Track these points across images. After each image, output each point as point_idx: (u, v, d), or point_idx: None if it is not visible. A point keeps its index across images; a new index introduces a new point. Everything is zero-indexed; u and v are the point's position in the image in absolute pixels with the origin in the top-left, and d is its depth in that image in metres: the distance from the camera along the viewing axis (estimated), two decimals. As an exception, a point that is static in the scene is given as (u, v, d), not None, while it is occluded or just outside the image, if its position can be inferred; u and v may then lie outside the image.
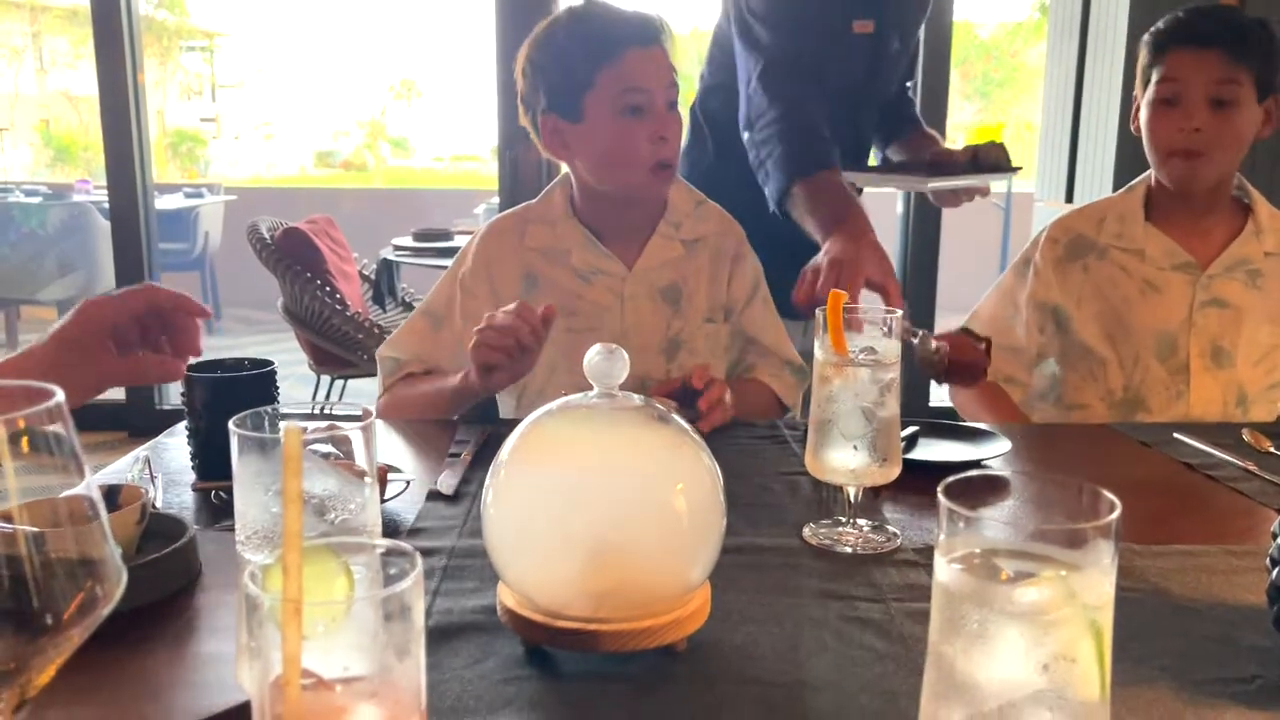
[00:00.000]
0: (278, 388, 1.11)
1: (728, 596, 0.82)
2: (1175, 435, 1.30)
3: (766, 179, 1.58)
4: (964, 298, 2.10)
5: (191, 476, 1.10)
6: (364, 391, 4.01)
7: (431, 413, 1.41)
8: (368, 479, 0.62)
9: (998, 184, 1.87)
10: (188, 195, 6.69)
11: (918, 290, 3.57)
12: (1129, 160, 3.37)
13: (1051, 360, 1.66)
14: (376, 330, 3.44)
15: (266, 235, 3.50)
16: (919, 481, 1.05)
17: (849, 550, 0.94)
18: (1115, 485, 0.47)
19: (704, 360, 1.51)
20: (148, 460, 1.14)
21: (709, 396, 1.32)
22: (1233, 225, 1.60)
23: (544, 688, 0.71)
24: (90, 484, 0.45)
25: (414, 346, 1.51)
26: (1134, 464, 1.23)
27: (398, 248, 3.98)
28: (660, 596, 0.72)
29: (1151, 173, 1.61)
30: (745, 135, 1.63)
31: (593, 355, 0.73)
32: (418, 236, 4.05)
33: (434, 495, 1.07)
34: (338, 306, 3.40)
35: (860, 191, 1.87)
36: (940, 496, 0.46)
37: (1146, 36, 1.56)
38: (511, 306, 1.26)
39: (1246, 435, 1.30)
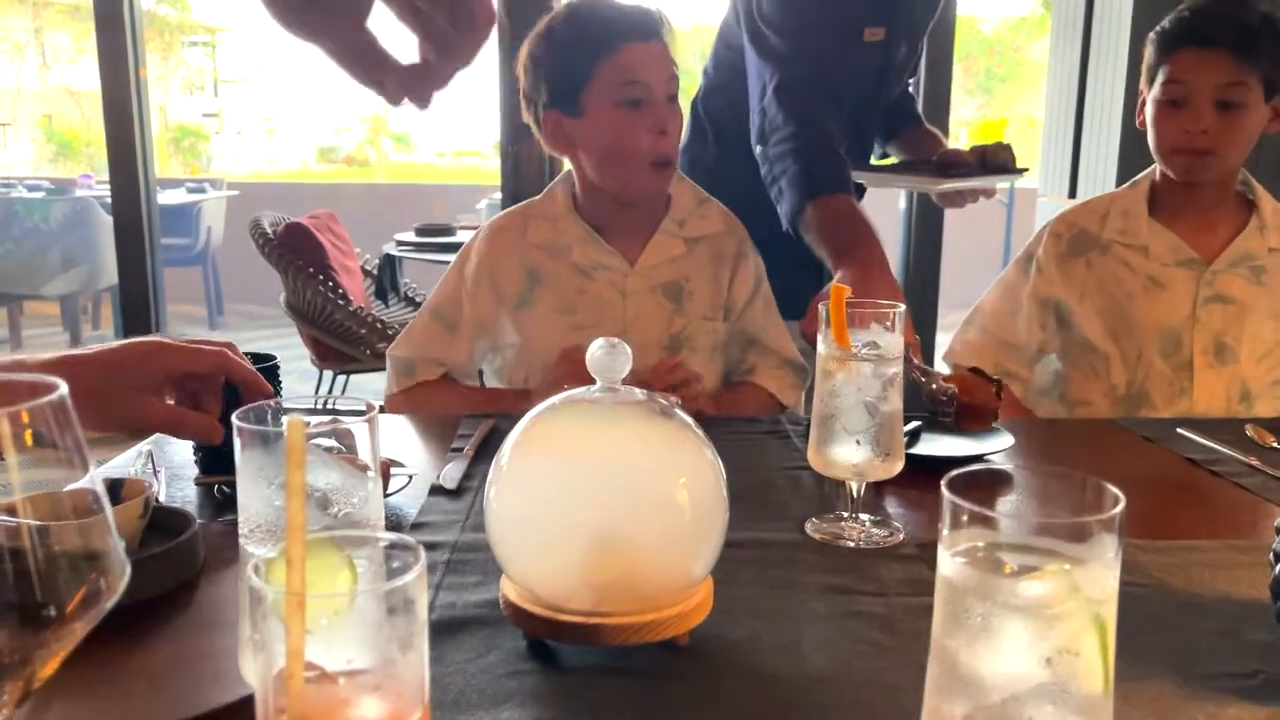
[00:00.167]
0: (280, 382, 1.11)
1: (730, 591, 0.82)
2: (1178, 430, 1.30)
3: (780, 196, 1.56)
4: (966, 293, 2.10)
5: (194, 471, 1.11)
6: (366, 387, 4.01)
7: (462, 411, 1.40)
8: (371, 473, 0.62)
9: (1001, 182, 1.86)
10: (190, 190, 6.69)
11: (920, 286, 3.56)
12: (1132, 155, 3.37)
13: (1054, 356, 1.66)
14: (379, 325, 3.44)
15: (269, 230, 3.50)
16: (921, 476, 1.05)
17: (851, 545, 0.94)
18: (1118, 480, 0.47)
19: (703, 358, 1.52)
20: (150, 455, 1.14)
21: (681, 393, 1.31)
22: (1237, 220, 1.59)
23: (546, 681, 0.71)
24: (94, 477, 0.45)
25: (425, 346, 1.51)
26: (1137, 459, 1.23)
27: (400, 243, 3.98)
28: (663, 590, 0.72)
29: (1156, 167, 1.61)
30: (758, 149, 1.61)
31: (595, 350, 0.73)
32: (420, 232, 4.05)
33: (436, 490, 1.07)
34: (340, 302, 3.40)
35: (864, 191, 1.86)
36: (944, 490, 0.46)
37: (1152, 35, 1.55)
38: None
39: (1250, 430, 1.30)
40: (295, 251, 3.46)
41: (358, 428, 0.61)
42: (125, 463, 1.14)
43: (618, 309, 1.49)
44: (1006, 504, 0.48)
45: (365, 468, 0.62)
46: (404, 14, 0.57)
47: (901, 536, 0.96)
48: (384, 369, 1.58)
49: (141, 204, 3.78)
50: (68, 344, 5.83)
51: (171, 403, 0.92)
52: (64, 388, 0.43)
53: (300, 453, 0.42)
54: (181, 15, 11.56)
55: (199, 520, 0.85)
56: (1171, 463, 1.21)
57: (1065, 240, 1.63)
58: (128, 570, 0.45)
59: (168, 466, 1.13)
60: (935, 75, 3.39)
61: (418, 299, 4.11)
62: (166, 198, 6.02)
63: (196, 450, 1.11)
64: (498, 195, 3.83)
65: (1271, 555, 0.77)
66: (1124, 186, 1.67)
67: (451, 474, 1.10)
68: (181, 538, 0.81)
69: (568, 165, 1.54)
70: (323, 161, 11.48)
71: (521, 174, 3.41)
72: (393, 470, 1.06)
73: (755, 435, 1.29)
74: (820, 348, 0.96)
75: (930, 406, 1.18)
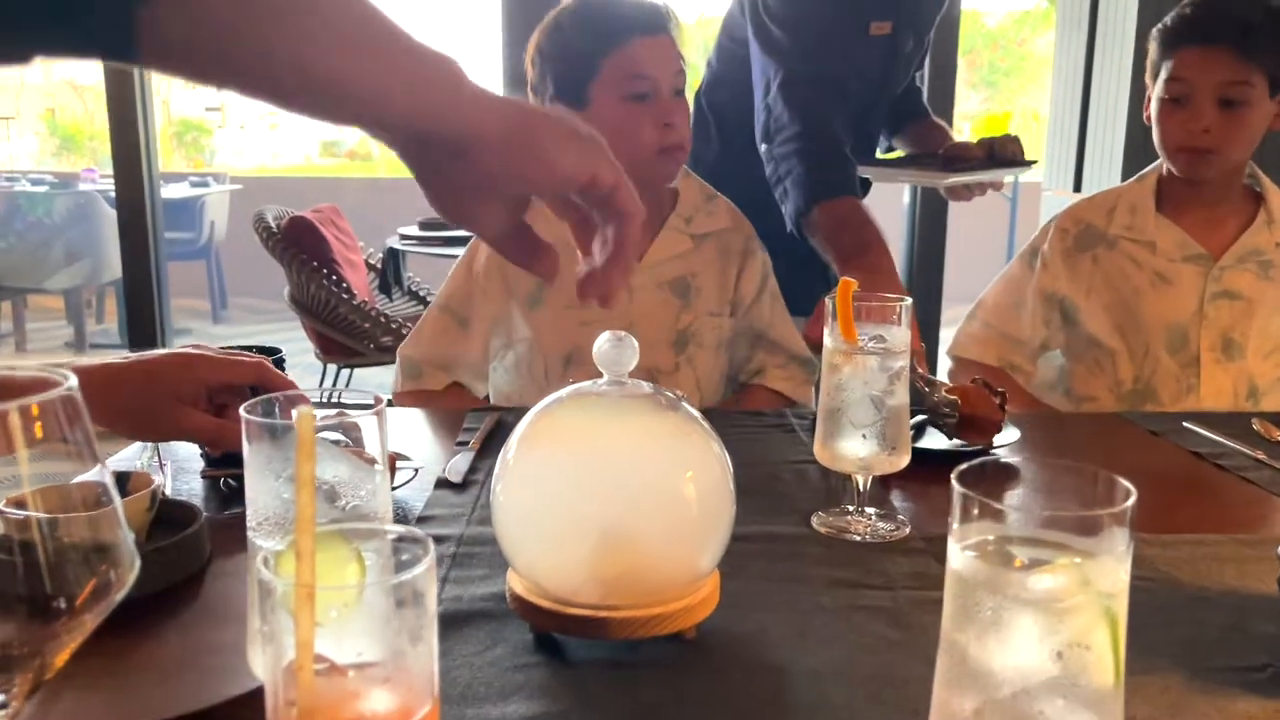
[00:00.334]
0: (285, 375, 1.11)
1: (736, 584, 0.82)
2: (1185, 424, 1.30)
3: (784, 196, 1.56)
4: (970, 289, 2.09)
5: (199, 464, 1.11)
6: (371, 380, 4.01)
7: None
8: (378, 466, 0.62)
9: (1009, 175, 1.85)
10: (193, 184, 6.69)
11: (924, 281, 3.55)
12: (1138, 149, 3.36)
13: (1058, 352, 1.66)
14: (383, 319, 3.44)
15: (273, 224, 3.50)
16: (928, 470, 1.05)
17: (858, 539, 0.94)
18: (1124, 474, 0.46)
19: (710, 354, 1.51)
20: (156, 449, 1.14)
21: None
22: (1244, 214, 1.59)
23: (553, 675, 0.71)
24: (104, 470, 0.45)
25: (436, 345, 1.51)
26: (1143, 453, 1.23)
27: (404, 237, 3.98)
28: (669, 584, 0.72)
29: (1162, 161, 1.60)
30: (763, 147, 1.60)
31: (602, 343, 0.73)
32: (424, 225, 4.05)
33: (442, 483, 1.07)
34: (344, 295, 3.41)
35: (869, 185, 1.85)
36: (954, 483, 0.46)
37: (1155, 31, 1.54)
38: None
39: (1256, 425, 1.29)
40: (299, 245, 3.46)
41: (365, 421, 0.61)
42: (131, 456, 1.14)
43: (624, 304, 1.49)
44: (1016, 497, 0.48)
45: (373, 461, 0.62)
46: (560, 210, 0.65)
47: (908, 530, 0.96)
48: (388, 363, 1.59)
49: (145, 198, 3.78)
50: (71, 338, 5.84)
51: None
52: (73, 380, 0.43)
53: (310, 444, 0.42)
54: (184, 9, 11.52)
55: (205, 513, 0.85)
56: (1178, 457, 1.21)
57: (1072, 235, 1.63)
58: (137, 562, 0.45)
59: (173, 460, 1.13)
60: (939, 69, 3.37)
61: (421, 293, 4.11)
62: (170, 192, 6.02)
63: (203, 445, 1.11)
64: (501, 189, 3.82)
65: (1279, 549, 0.77)
66: (1130, 181, 1.66)
67: (457, 467, 1.10)
68: (188, 530, 0.81)
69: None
70: (326, 155, 11.47)
71: (525, 168, 3.40)
72: (398, 464, 1.06)
73: (761, 429, 1.29)
74: (826, 341, 0.96)
75: (932, 417, 1.18)
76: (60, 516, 0.43)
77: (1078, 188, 3.77)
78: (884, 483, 1.07)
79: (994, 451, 1.16)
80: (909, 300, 0.95)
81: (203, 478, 1.08)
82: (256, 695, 0.49)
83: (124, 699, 0.62)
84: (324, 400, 0.71)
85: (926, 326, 3.29)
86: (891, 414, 0.93)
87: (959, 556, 0.46)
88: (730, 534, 0.74)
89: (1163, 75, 1.51)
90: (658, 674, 0.71)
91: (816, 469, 1.11)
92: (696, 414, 0.75)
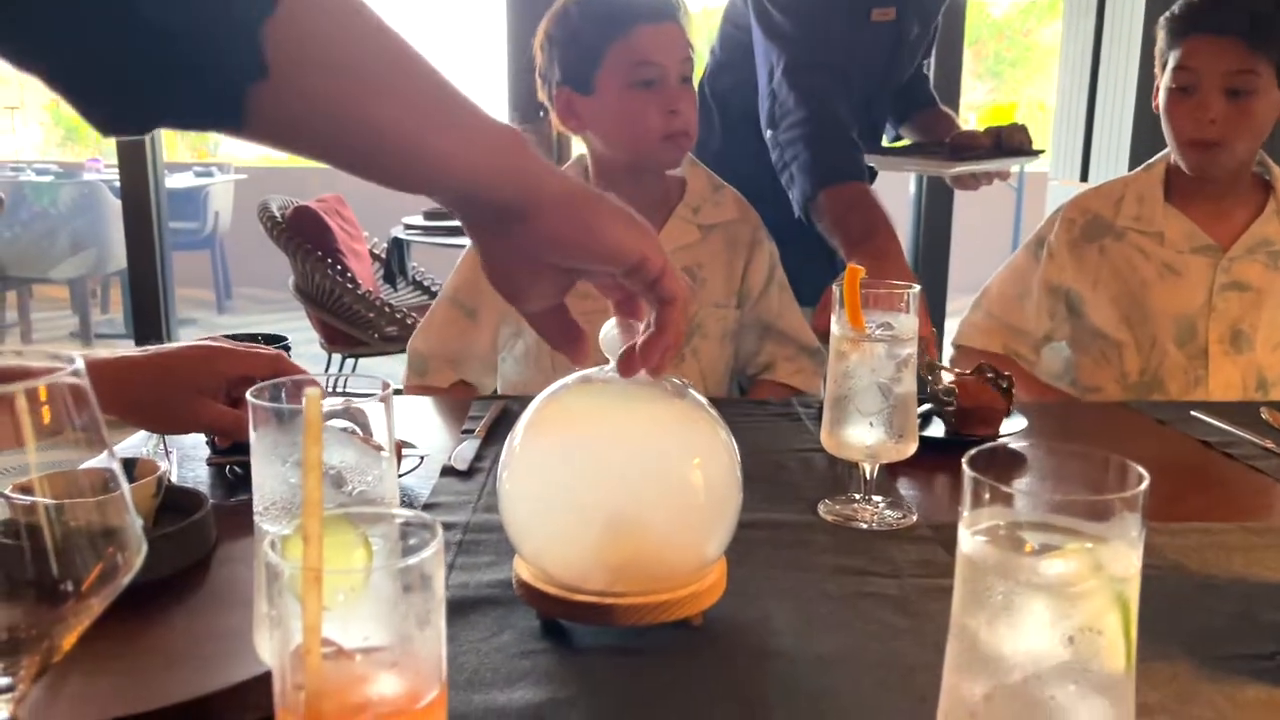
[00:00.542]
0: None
1: (743, 572, 0.82)
2: (1192, 413, 1.30)
3: (791, 183, 1.55)
4: (975, 278, 2.08)
5: (205, 451, 1.11)
6: (375, 370, 4.01)
7: None
8: (385, 452, 0.62)
9: (1016, 164, 1.84)
10: (198, 174, 6.68)
11: (930, 271, 3.55)
12: (1146, 138, 3.34)
13: (1064, 344, 1.65)
14: (387, 309, 3.44)
15: (277, 214, 3.50)
16: (935, 458, 1.05)
17: (864, 526, 0.94)
18: (1133, 462, 0.46)
19: (714, 344, 1.51)
20: (162, 436, 1.14)
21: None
22: (1254, 204, 1.58)
23: (560, 661, 0.71)
24: (111, 455, 0.45)
25: (445, 338, 1.50)
26: (1151, 442, 1.22)
27: (408, 226, 3.97)
28: (676, 571, 0.71)
29: (1171, 151, 1.59)
30: (768, 134, 1.59)
31: (608, 329, 0.73)
32: (428, 215, 4.04)
33: (448, 470, 1.07)
34: (349, 285, 3.41)
35: (875, 174, 1.85)
36: (965, 467, 0.46)
37: (1163, 20, 1.53)
38: None
39: (1265, 414, 1.29)
40: (303, 235, 3.46)
41: (372, 407, 0.61)
42: (137, 444, 1.14)
43: None
44: (1027, 483, 0.48)
45: (380, 448, 0.62)
46: (605, 288, 0.69)
47: (915, 518, 0.96)
48: (393, 352, 1.59)
49: (149, 188, 3.78)
50: (76, 328, 5.85)
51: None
52: (80, 363, 0.43)
53: (317, 427, 0.41)
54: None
55: (211, 500, 0.85)
56: (1186, 445, 1.20)
57: (1079, 226, 1.62)
58: (144, 546, 0.45)
59: (179, 448, 1.13)
60: (945, 59, 3.36)
61: (426, 283, 4.11)
62: (174, 181, 6.01)
63: (221, 436, 1.11)
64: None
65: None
66: (1139, 169, 1.65)
67: (463, 455, 1.10)
68: (195, 516, 0.81)
69: (577, 150, 1.54)
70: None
71: (530, 157, 3.39)
72: (404, 451, 1.06)
73: (767, 417, 1.29)
74: (834, 328, 0.96)
75: (934, 406, 1.18)
76: (67, 501, 0.43)
77: (1084, 177, 3.76)
78: (891, 471, 1.06)
79: (1001, 439, 1.16)
80: (917, 288, 0.95)
81: (208, 465, 1.08)
82: (263, 680, 0.49)
83: (131, 684, 0.62)
84: (330, 389, 0.71)
85: (932, 315, 3.28)
86: (899, 401, 0.93)
87: (970, 541, 0.46)
88: (737, 520, 0.74)
89: (1170, 64, 1.50)
90: (664, 660, 0.71)
91: (823, 457, 1.10)
92: (703, 400, 0.75)
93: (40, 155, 8.64)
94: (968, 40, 3.48)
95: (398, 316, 3.43)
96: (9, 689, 0.43)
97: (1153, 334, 1.56)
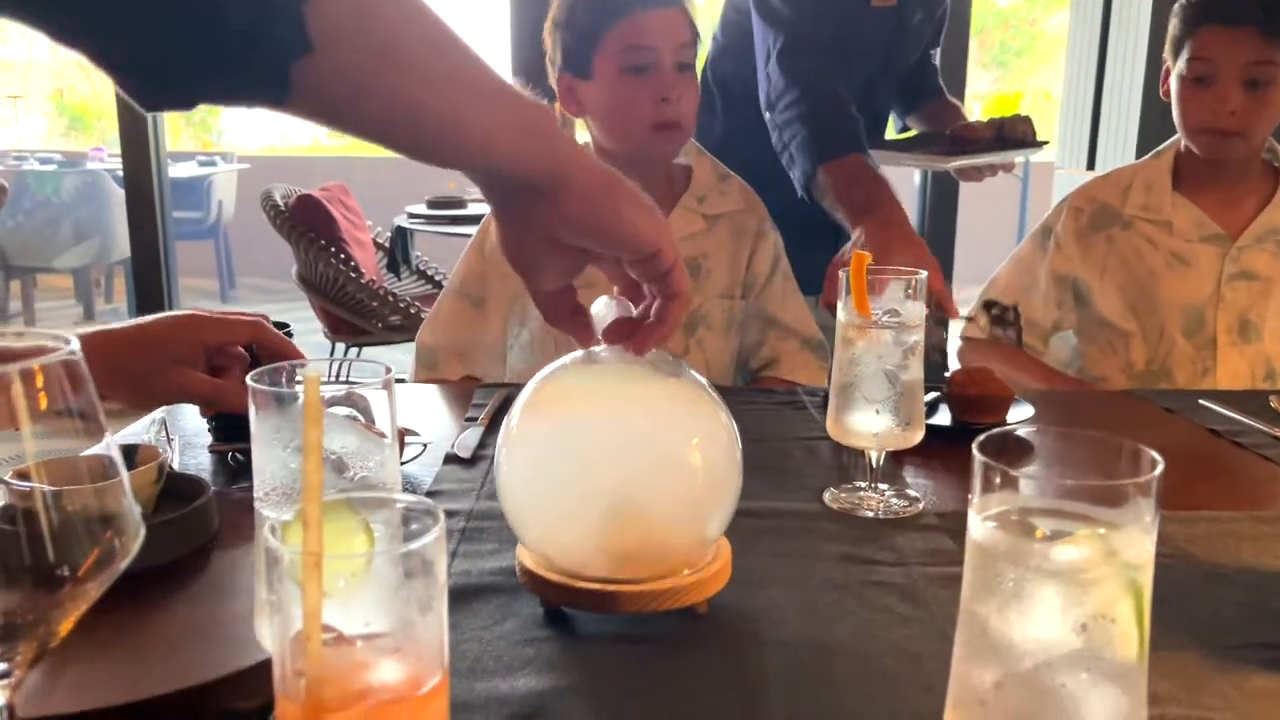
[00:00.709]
0: (294, 350, 1.10)
1: (748, 560, 0.81)
2: (1201, 401, 1.29)
3: (791, 163, 1.54)
4: (982, 268, 2.07)
5: (208, 439, 1.10)
6: (379, 359, 4.01)
7: None
8: (387, 438, 0.61)
9: (1019, 156, 1.82)
10: (201, 164, 6.68)
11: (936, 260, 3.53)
12: (1154, 126, 3.33)
13: (1070, 332, 1.64)
14: (391, 298, 3.44)
15: (280, 203, 3.49)
16: (941, 446, 1.04)
17: (870, 515, 0.93)
18: (1142, 450, 0.45)
19: (719, 335, 1.50)
20: (164, 422, 1.14)
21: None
22: (1263, 192, 1.56)
23: (563, 649, 0.70)
24: (109, 440, 0.44)
25: (453, 329, 1.49)
26: (1158, 430, 1.21)
27: (412, 215, 3.97)
28: (676, 551, 0.70)
29: (1180, 138, 1.58)
30: (767, 116, 1.58)
31: (599, 308, 0.72)
32: (431, 204, 4.04)
33: (451, 458, 1.07)
34: (352, 274, 3.40)
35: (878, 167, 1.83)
36: (975, 452, 0.45)
37: (1177, 7, 1.51)
38: None
39: (1274, 402, 1.28)
40: (307, 224, 3.45)
41: (374, 394, 0.60)
42: (138, 431, 1.14)
43: None
44: (1039, 468, 0.47)
45: (382, 434, 0.61)
46: (613, 273, 0.70)
47: (921, 506, 0.95)
48: (396, 342, 1.58)
49: (153, 177, 3.77)
50: (80, 317, 5.86)
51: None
52: (75, 343, 0.42)
53: (317, 409, 0.41)
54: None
55: (213, 487, 0.85)
56: (1195, 434, 1.19)
57: (1086, 215, 1.60)
58: (142, 531, 0.45)
59: (181, 434, 1.13)
60: (950, 49, 3.33)
61: (429, 271, 4.11)
62: (178, 171, 6.01)
63: (210, 418, 1.10)
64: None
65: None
66: (1147, 157, 1.64)
67: (466, 442, 1.10)
68: (196, 503, 0.80)
69: (581, 139, 1.53)
70: (334, 136, 11.45)
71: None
72: (407, 439, 1.06)
73: (771, 405, 1.28)
74: (840, 315, 0.95)
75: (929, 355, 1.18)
76: (64, 486, 0.42)
77: (1091, 165, 3.74)
78: (897, 459, 1.06)
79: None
80: (924, 273, 0.94)
81: (210, 452, 1.08)
82: (265, 667, 0.48)
83: (131, 671, 0.62)
84: (333, 377, 0.70)
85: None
86: (905, 389, 0.92)
87: (980, 528, 0.45)
88: (737, 500, 0.73)
89: (1185, 54, 1.48)
90: (668, 649, 0.70)
91: (828, 445, 1.10)
92: (700, 379, 0.73)
93: (44, 144, 8.64)
94: (973, 29, 3.46)
95: (401, 305, 3.43)
96: (5, 675, 0.43)
97: (1160, 324, 1.55)
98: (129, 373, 0.89)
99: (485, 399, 1.25)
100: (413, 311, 3.40)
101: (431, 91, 0.56)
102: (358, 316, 3.43)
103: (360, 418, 0.63)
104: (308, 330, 3.84)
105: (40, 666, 0.47)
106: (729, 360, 1.54)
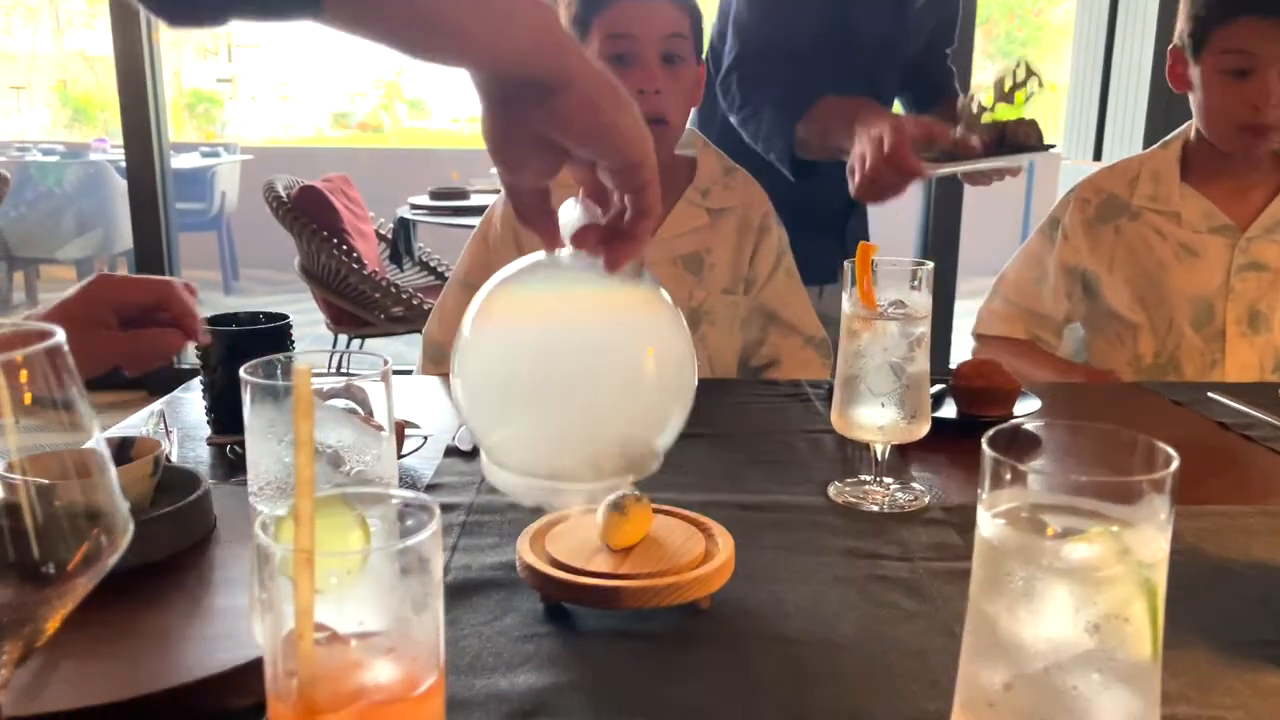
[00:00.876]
0: (293, 341, 1.09)
1: (751, 554, 0.80)
2: (1209, 394, 1.27)
3: (769, 151, 1.54)
4: (987, 259, 2.06)
5: (207, 431, 1.09)
6: (382, 351, 4.00)
7: None
8: (384, 432, 0.60)
9: (1021, 161, 1.79)
10: (204, 155, 6.66)
11: (940, 254, 3.51)
12: (1161, 116, 3.30)
13: (1078, 324, 1.63)
14: (393, 289, 3.42)
15: (283, 194, 3.48)
16: (948, 439, 1.03)
17: (875, 509, 0.92)
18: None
19: (723, 331, 1.48)
20: (162, 414, 1.13)
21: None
22: (1272, 182, 1.54)
23: (564, 645, 0.69)
24: (96, 436, 0.43)
25: (458, 321, 1.47)
26: (1167, 423, 1.20)
27: (414, 206, 3.95)
28: (628, 455, 0.66)
29: (1190, 127, 1.55)
30: (734, 120, 1.60)
31: (567, 212, 0.69)
32: (434, 195, 4.02)
33: (452, 451, 1.06)
34: (355, 265, 3.39)
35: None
36: (985, 447, 0.44)
37: None
38: None
39: (1283, 395, 1.27)
40: (309, 215, 3.44)
41: (372, 386, 0.59)
42: (137, 423, 1.13)
43: None
44: (1049, 463, 0.46)
45: (379, 428, 0.60)
46: (586, 179, 0.68)
47: (927, 500, 0.94)
48: (399, 333, 1.57)
49: (155, 168, 3.76)
50: (84, 308, 5.85)
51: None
52: (60, 334, 0.41)
53: (307, 401, 0.40)
54: (194, -21, 11.43)
55: (210, 480, 0.84)
56: (1203, 427, 1.18)
57: (1093, 206, 1.59)
58: (131, 527, 0.44)
59: (180, 427, 1.12)
60: (957, 40, 3.31)
61: (432, 263, 4.09)
62: (180, 162, 6.00)
63: (210, 411, 1.10)
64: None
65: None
66: (1154, 147, 1.62)
67: (467, 435, 1.09)
68: (192, 497, 0.79)
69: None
70: (337, 127, 11.41)
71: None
72: (407, 432, 1.05)
73: (775, 398, 1.27)
74: (845, 306, 0.93)
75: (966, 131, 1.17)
76: (50, 481, 0.41)
77: (1098, 156, 3.71)
78: (902, 452, 1.05)
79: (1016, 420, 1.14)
80: (930, 265, 0.92)
81: (209, 445, 1.07)
82: (259, 664, 0.47)
83: (125, 667, 0.61)
84: (331, 369, 0.69)
85: (942, 297, 3.25)
86: (911, 381, 0.91)
87: (989, 524, 0.44)
88: (693, 402, 0.65)
89: (1215, 45, 1.45)
90: (670, 645, 0.69)
91: (833, 438, 1.09)
92: (658, 287, 0.69)
93: (47, 135, 8.63)
94: (979, 20, 3.43)
95: (404, 297, 3.41)
96: (-9, 674, 0.42)
97: (1169, 316, 1.53)
98: None
99: (486, 391, 1.24)
100: (415, 303, 3.39)
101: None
102: (360, 308, 3.42)
103: (359, 410, 0.62)
104: (310, 322, 3.83)
105: (32, 663, 0.46)
106: (733, 357, 1.52)
